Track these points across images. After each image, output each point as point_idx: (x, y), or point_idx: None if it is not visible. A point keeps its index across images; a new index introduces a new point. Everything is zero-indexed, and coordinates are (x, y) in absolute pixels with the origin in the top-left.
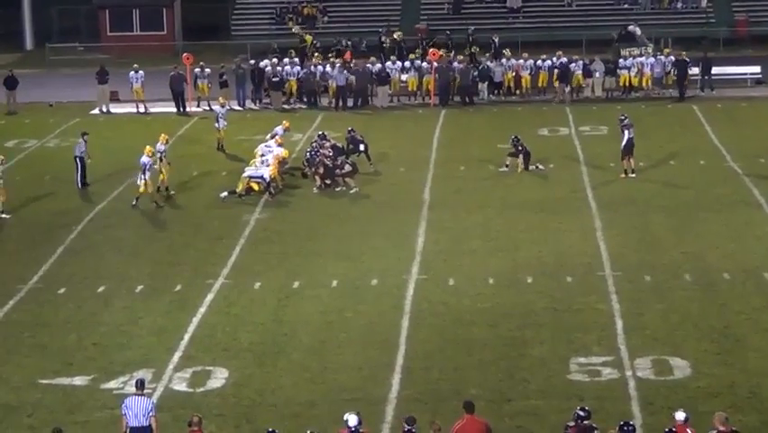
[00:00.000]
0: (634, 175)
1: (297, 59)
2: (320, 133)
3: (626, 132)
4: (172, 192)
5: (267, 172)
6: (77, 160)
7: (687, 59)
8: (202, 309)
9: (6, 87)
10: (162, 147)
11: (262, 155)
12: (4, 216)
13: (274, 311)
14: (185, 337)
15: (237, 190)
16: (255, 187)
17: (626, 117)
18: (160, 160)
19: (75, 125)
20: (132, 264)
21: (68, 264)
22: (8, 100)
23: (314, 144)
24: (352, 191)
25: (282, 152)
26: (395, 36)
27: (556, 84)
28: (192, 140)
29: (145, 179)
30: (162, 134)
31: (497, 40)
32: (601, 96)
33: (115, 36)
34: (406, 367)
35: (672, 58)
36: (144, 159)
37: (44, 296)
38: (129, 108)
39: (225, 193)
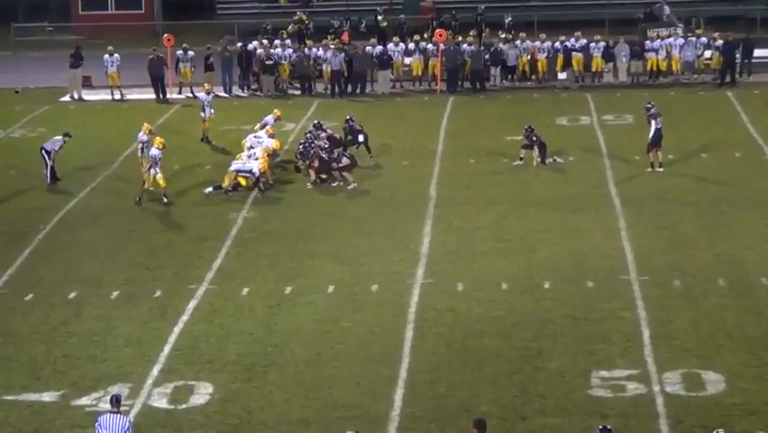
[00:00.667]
0: (661, 169)
1: (288, 41)
2: (315, 122)
3: (653, 122)
4: (151, 189)
5: (256, 166)
6: (44, 152)
7: (735, 42)
8: (184, 318)
9: None
10: (145, 137)
11: (251, 147)
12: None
13: (264, 320)
14: (165, 349)
15: (223, 186)
16: (243, 182)
17: (652, 106)
18: (141, 151)
19: (43, 114)
20: (106, 268)
21: (36, 268)
22: None
23: (308, 135)
24: (350, 187)
25: (273, 143)
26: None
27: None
28: (173, 130)
29: (155, 172)
30: (145, 123)
31: (508, 20)
32: (626, 81)
33: (88, 15)
34: (409, 381)
35: (719, 41)
36: (154, 151)
37: (9, 303)
38: (103, 95)
39: (210, 189)
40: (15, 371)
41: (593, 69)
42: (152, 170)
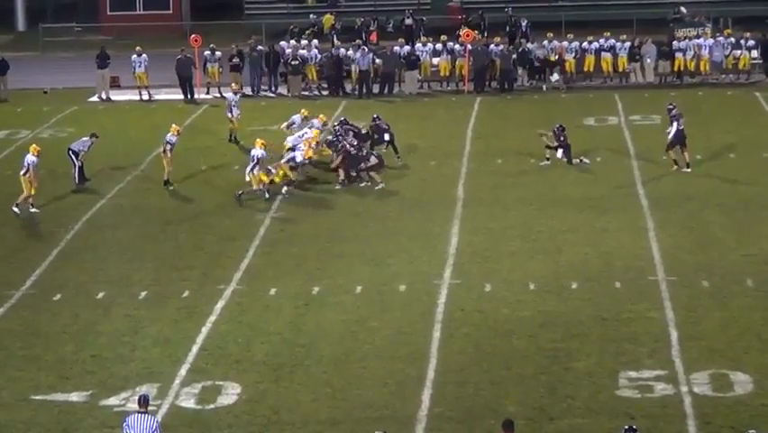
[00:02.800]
0: (689, 169)
1: (316, 41)
2: (342, 118)
3: (675, 123)
4: (171, 187)
5: (300, 155)
6: (73, 154)
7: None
8: (212, 318)
9: None
10: (174, 138)
11: (292, 148)
12: (31, 210)
13: (291, 320)
14: (193, 349)
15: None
16: (276, 179)
17: (674, 107)
18: (169, 151)
19: (72, 114)
20: (134, 268)
21: (64, 268)
22: None
23: (336, 127)
24: (377, 187)
25: (312, 133)
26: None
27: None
28: (201, 130)
29: (254, 173)
30: (173, 125)
31: (524, 23)
32: (653, 81)
33: (116, 16)
34: (437, 382)
35: (751, 41)
36: (257, 151)
37: (38, 303)
38: (131, 95)
39: (285, 187)
40: (44, 371)
41: (619, 69)
42: (255, 170)
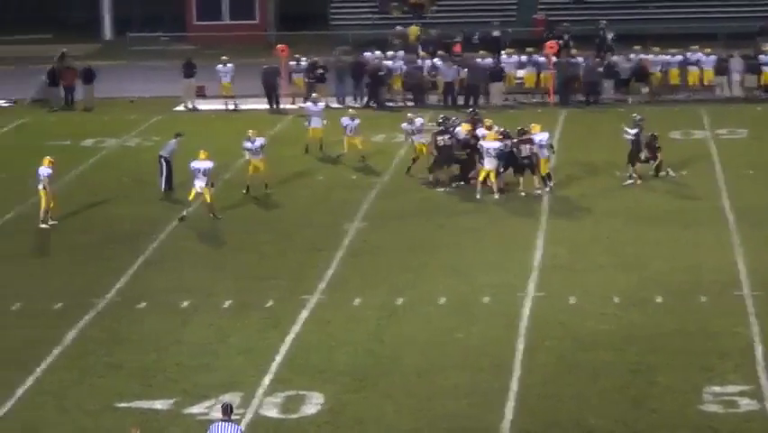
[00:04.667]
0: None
1: (401, 53)
2: (441, 116)
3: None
4: (268, 191)
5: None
6: (163, 161)
7: None
8: (295, 327)
9: (83, 81)
10: (249, 144)
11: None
12: (49, 223)
13: (375, 330)
14: (276, 358)
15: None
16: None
17: (641, 118)
18: (256, 155)
19: (157, 123)
20: (218, 277)
21: (149, 276)
22: (85, 95)
23: (440, 120)
24: (499, 196)
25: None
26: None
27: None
28: (286, 140)
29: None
30: (250, 130)
31: (610, 35)
32: (740, 95)
33: (202, 25)
34: (520, 394)
35: None
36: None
37: (122, 311)
38: (217, 105)
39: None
40: (128, 378)
41: (704, 83)
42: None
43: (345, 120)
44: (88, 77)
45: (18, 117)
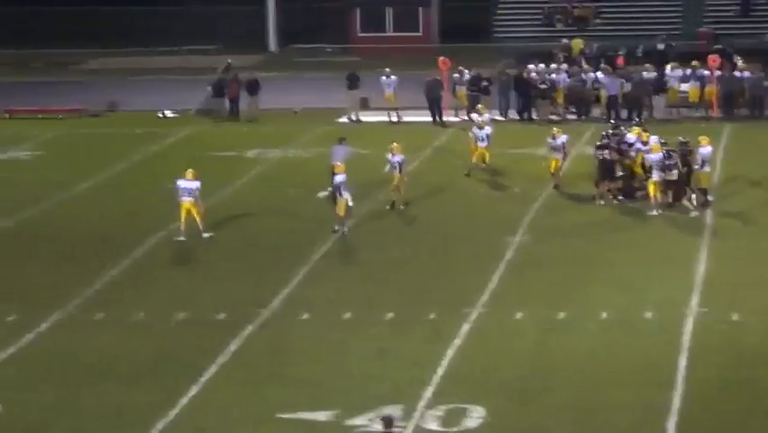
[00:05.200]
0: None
1: (564, 65)
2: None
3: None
4: (402, 207)
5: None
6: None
7: None
8: (457, 341)
9: (248, 93)
10: (396, 157)
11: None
12: (204, 235)
13: (537, 344)
14: (438, 371)
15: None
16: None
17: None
18: (398, 170)
19: (321, 134)
20: (380, 289)
21: (312, 288)
22: (249, 106)
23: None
24: (661, 210)
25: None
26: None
27: None
28: (449, 152)
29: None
30: (394, 143)
31: None
32: None
33: (366, 37)
34: (683, 410)
35: None
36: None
37: (286, 322)
38: (380, 116)
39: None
40: (291, 389)
41: None
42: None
43: (477, 131)
44: (253, 88)
45: (184, 128)
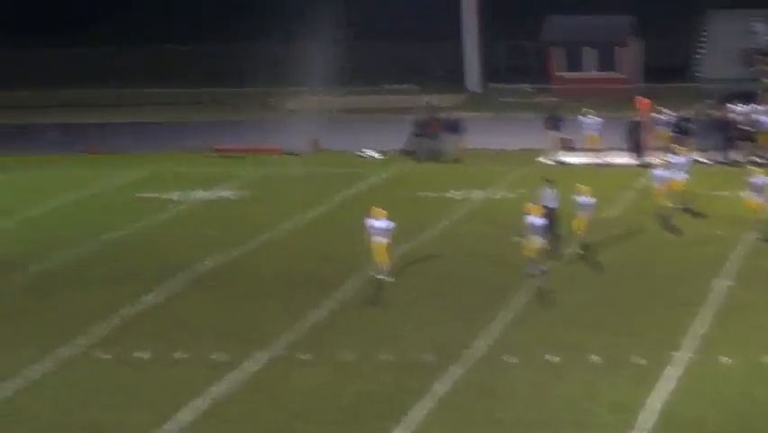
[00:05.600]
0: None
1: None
2: None
3: None
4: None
5: None
6: (549, 211)
7: None
8: (663, 384)
9: (449, 132)
10: (587, 200)
11: None
12: (384, 278)
13: (745, 390)
14: (644, 416)
15: None
16: None
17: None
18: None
19: (523, 175)
20: (586, 331)
21: (518, 330)
22: (453, 146)
23: None
24: None
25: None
26: None
27: None
28: (650, 194)
29: None
30: (582, 185)
31: None
32: None
33: (566, 77)
34: None
35: None
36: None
37: (495, 365)
38: (582, 158)
39: None
40: (503, 431)
41: None
42: None
43: (658, 172)
44: (455, 127)
45: (388, 167)
